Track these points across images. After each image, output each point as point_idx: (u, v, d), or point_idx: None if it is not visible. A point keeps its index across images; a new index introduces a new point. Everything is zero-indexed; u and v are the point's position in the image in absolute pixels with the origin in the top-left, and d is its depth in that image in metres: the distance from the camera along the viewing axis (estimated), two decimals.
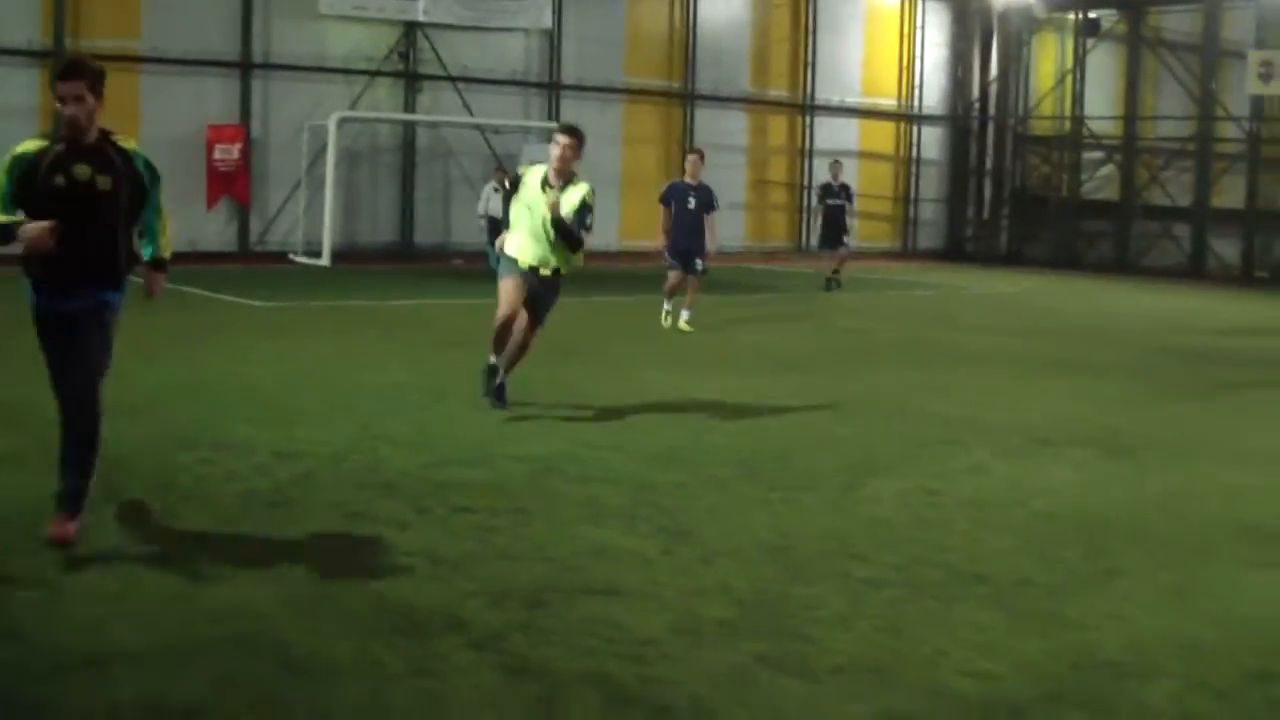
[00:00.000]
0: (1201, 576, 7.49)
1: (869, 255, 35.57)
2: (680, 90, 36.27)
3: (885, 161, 40.45)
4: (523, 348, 11.85)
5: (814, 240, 29.35)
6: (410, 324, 18.77)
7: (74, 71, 7.20)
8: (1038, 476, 9.94)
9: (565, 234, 11.53)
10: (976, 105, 41.53)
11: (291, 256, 29.65)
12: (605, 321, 19.44)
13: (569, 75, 34.03)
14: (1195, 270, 35.92)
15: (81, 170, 7.16)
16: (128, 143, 7.42)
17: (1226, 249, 36.13)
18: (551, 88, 33.91)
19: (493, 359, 11.83)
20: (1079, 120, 39.11)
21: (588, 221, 11.63)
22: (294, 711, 5.27)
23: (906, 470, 9.95)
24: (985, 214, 41.52)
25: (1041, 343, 19.07)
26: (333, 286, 23.98)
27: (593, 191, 11.72)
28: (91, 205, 7.20)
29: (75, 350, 7.25)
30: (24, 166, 7.13)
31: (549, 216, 11.44)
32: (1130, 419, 12.74)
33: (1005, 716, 5.46)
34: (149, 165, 7.45)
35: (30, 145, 7.24)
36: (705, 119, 36.35)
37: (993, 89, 41.19)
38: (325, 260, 28.54)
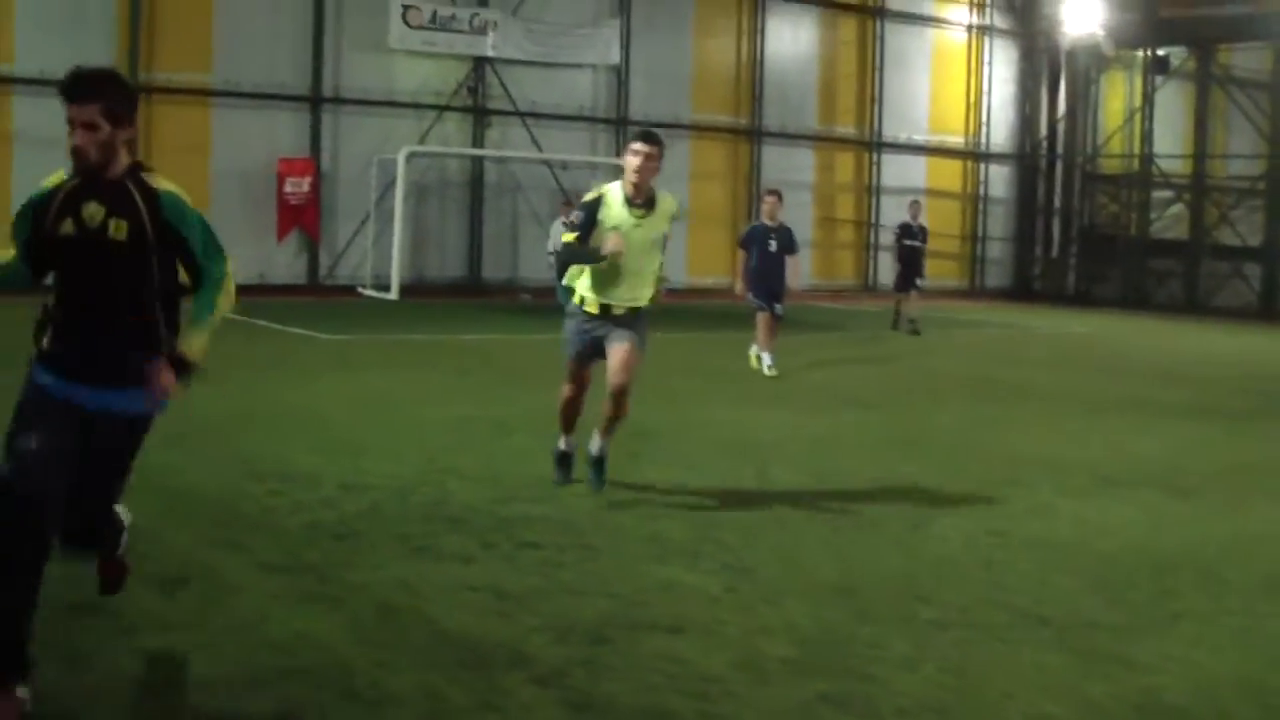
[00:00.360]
0: (1268, 620, 7.41)
1: (937, 294, 35.43)
2: (747, 126, 36.39)
3: (953, 199, 40.36)
4: (618, 403, 9.80)
5: (888, 281, 29.19)
6: (478, 359, 18.87)
7: (86, 91, 5.35)
8: (1104, 517, 9.87)
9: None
10: (1044, 143, 41.40)
11: (360, 290, 29.89)
12: (669, 358, 19.41)
13: (636, 111, 34.19)
14: (1266, 311, 35.56)
15: (92, 212, 5.35)
16: (161, 183, 5.49)
17: None
18: (619, 123, 34.08)
19: (562, 444, 10.18)
20: (1148, 159, 38.85)
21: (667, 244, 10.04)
22: None
23: (973, 509, 9.91)
24: (1053, 253, 41.35)
25: (1109, 382, 18.94)
26: (400, 320, 24.16)
27: (676, 201, 10.08)
28: (104, 262, 5.39)
29: (86, 458, 5.51)
30: (37, 208, 5.48)
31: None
32: (1197, 459, 12.64)
33: None
34: (203, 225, 5.51)
35: (50, 181, 5.54)
36: (772, 155, 36.44)
37: (1060, 127, 41.06)
38: (393, 294, 28.77)
